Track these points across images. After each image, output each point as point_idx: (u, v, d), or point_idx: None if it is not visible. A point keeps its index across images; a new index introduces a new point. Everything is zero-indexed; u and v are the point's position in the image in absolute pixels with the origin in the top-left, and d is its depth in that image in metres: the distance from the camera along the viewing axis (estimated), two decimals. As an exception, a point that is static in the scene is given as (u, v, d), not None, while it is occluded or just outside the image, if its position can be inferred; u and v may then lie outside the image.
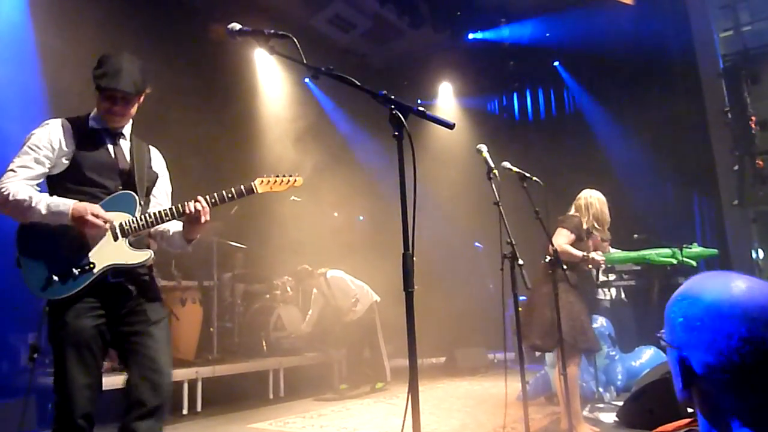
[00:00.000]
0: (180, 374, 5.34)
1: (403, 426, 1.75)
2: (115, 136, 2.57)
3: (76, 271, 2.33)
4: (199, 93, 7.02)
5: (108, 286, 2.41)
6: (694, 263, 6.07)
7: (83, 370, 2.34)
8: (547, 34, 9.36)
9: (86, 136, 2.49)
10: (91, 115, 2.55)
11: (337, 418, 5.23)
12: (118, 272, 2.43)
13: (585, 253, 4.07)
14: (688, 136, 7.74)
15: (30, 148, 2.39)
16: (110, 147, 2.53)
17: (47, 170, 2.41)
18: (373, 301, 6.88)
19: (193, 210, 2.48)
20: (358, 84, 1.90)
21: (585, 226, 4.23)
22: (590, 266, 4.23)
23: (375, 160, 8.50)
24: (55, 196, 2.35)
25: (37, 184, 2.40)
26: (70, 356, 2.32)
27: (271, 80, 8.49)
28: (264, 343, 6.68)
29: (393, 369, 7.54)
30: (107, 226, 2.36)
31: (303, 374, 6.75)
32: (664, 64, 8.21)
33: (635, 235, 6.97)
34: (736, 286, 1.10)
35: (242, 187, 2.58)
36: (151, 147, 2.74)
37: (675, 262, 6.18)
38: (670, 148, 7.92)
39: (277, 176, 2.69)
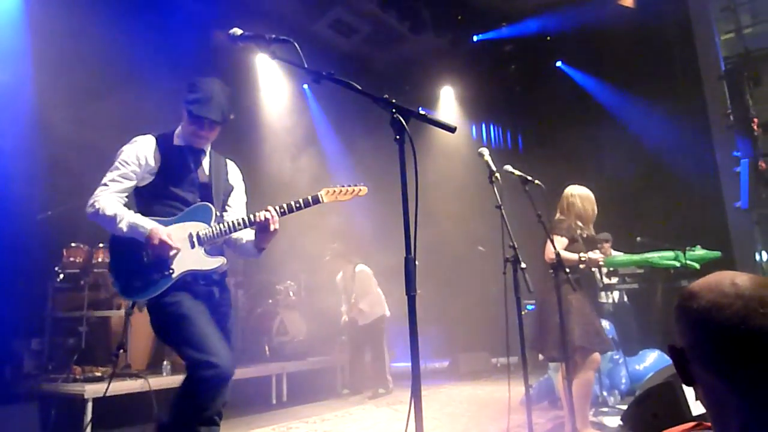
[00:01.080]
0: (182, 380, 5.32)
1: (405, 430, 1.75)
2: (198, 152, 2.84)
3: (157, 276, 2.61)
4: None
5: (196, 289, 2.69)
6: (697, 266, 6.06)
7: (208, 324, 2.61)
8: (548, 38, 9.38)
9: (171, 152, 2.75)
10: (177, 132, 2.81)
11: (340, 423, 5.22)
12: (204, 278, 2.73)
13: (581, 255, 4.05)
14: (691, 138, 7.73)
15: (120, 163, 2.67)
16: (192, 163, 2.80)
17: (135, 183, 2.70)
18: (384, 313, 6.95)
19: (262, 219, 2.70)
20: (360, 88, 1.90)
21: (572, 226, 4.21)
22: (590, 267, 4.20)
23: (377, 164, 8.50)
24: (138, 216, 2.62)
25: (126, 196, 2.71)
26: (194, 313, 2.58)
27: (273, 85, 8.51)
28: (267, 348, 6.67)
29: (395, 373, 7.53)
30: (173, 252, 2.60)
31: (306, 379, 6.74)
32: (665, 66, 8.21)
33: (638, 238, 6.96)
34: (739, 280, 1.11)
35: (309, 197, 2.79)
36: (228, 161, 3.01)
37: (678, 264, 6.18)
38: (673, 151, 7.91)
39: (343, 186, 2.90)
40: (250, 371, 6.10)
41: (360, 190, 2.95)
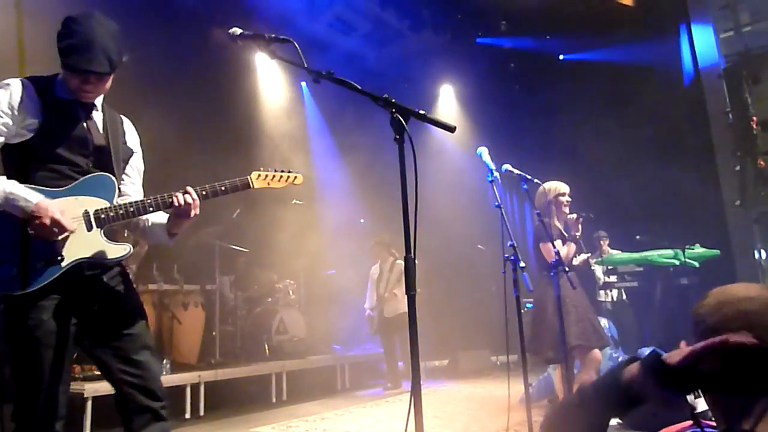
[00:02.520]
0: (182, 378, 5.34)
1: (405, 429, 1.75)
2: (88, 107, 2.24)
3: (39, 264, 2.02)
4: (200, 97, 7.05)
5: (79, 281, 2.12)
6: (696, 264, 6.09)
7: (59, 374, 2.06)
8: (548, 36, 9.39)
9: (55, 104, 2.14)
10: (57, 80, 2.19)
11: (340, 422, 5.22)
12: (92, 265, 2.15)
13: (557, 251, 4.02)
14: (690, 136, 7.75)
15: None
16: (83, 120, 2.20)
17: (2, 140, 2.05)
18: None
19: (182, 202, 2.23)
20: (359, 88, 1.90)
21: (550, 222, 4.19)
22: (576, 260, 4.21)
23: (376, 162, 8.51)
24: (15, 183, 2.01)
25: None
26: (47, 358, 2.02)
27: (272, 84, 8.50)
28: (266, 347, 6.67)
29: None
30: (65, 234, 2.05)
31: (306, 378, 6.75)
32: (664, 64, 8.22)
33: (637, 236, 6.98)
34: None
35: (237, 180, 2.38)
36: (123, 118, 2.41)
37: (677, 263, 6.21)
38: (672, 149, 7.92)
39: (275, 171, 2.49)
40: (250, 370, 6.10)
41: (295, 177, 2.55)
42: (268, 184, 2.48)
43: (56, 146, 2.10)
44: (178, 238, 2.41)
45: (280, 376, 6.34)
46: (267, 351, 6.65)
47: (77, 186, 2.13)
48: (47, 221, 1.98)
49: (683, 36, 8.05)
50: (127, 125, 2.41)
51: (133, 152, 2.40)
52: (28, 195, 1.99)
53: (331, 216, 8.08)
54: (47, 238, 2.02)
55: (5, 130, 2.03)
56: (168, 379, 5.23)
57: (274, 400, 6.19)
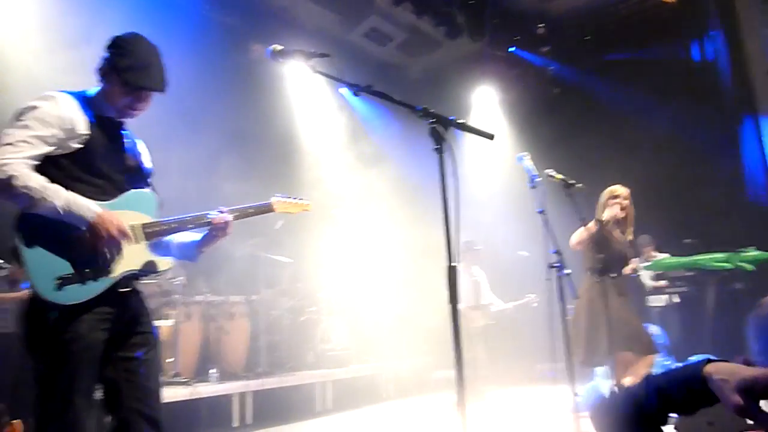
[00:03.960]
0: (230, 387, 5.44)
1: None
2: (121, 125, 2.30)
3: (91, 273, 2.01)
4: (238, 111, 7.18)
5: (112, 298, 2.08)
6: (751, 267, 5.84)
7: (90, 394, 2.01)
8: (587, 37, 9.23)
9: (98, 120, 2.16)
10: (96, 96, 2.22)
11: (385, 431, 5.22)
12: (126, 283, 2.15)
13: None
14: (738, 137, 7.49)
15: (36, 121, 2.00)
16: (121, 139, 2.27)
17: (50, 151, 2.03)
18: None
19: (222, 222, 2.32)
20: (398, 100, 1.92)
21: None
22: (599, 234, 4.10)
23: (415, 171, 8.51)
24: (76, 195, 2.00)
25: (35, 166, 2.02)
26: (83, 376, 1.99)
27: (308, 96, 8.60)
28: (311, 356, 6.73)
29: (440, 380, 7.51)
30: (116, 248, 2.08)
31: (350, 386, 6.77)
32: (709, 63, 8.01)
33: (686, 240, 6.76)
34: None
35: (262, 204, 2.57)
36: (137, 139, 2.44)
37: (730, 266, 5.97)
38: (723, 148, 7.66)
39: (291, 198, 2.71)
40: (295, 379, 6.17)
41: (306, 205, 2.78)
42: (286, 209, 2.67)
43: (98, 161, 2.12)
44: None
45: (325, 385, 6.38)
46: (311, 360, 6.70)
47: (120, 201, 2.16)
48: (113, 229, 2.01)
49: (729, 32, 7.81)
50: (142, 146, 2.44)
51: (152, 172, 2.43)
52: (90, 204, 2.01)
53: (370, 225, 8.11)
54: (107, 247, 2.03)
55: (54, 140, 2.03)
56: (216, 389, 5.33)
57: (319, 408, 6.23)
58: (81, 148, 2.07)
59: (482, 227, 8.15)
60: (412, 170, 8.50)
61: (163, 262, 2.26)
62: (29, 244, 1.95)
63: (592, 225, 3.83)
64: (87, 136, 2.08)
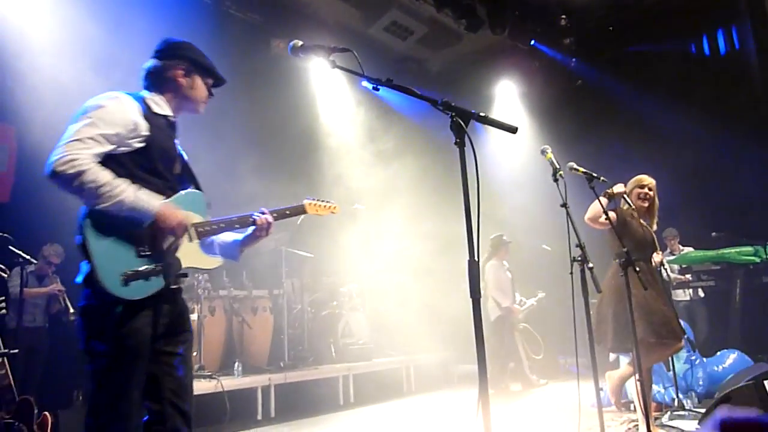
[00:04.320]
0: (254, 381, 5.51)
1: (474, 433, 1.74)
2: (175, 125, 2.36)
3: (154, 270, 2.06)
4: (260, 107, 7.24)
5: (163, 294, 2.12)
6: (779, 261, 5.73)
7: (142, 387, 2.07)
8: (610, 28, 9.09)
9: (156, 119, 2.21)
10: (148, 96, 2.27)
11: (407, 424, 5.24)
12: (177, 280, 2.20)
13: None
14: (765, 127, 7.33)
15: (101, 120, 2.03)
16: (174, 137, 2.33)
17: (111, 150, 2.06)
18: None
19: (265, 222, 2.40)
20: (419, 93, 1.92)
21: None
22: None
23: (438, 164, 8.49)
24: (142, 189, 2.06)
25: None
26: (137, 371, 2.04)
27: (329, 92, 8.62)
28: (333, 350, 6.78)
29: (463, 374, 7.52)
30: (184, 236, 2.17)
31: (372, 380, 6.81)
32: (751, 59, 7.85)
33: (713, 233, 6.64)
34: None
35: (296, 205, 2.67)
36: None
37: (758, 260, 5.87)
38: (750, 140, 7.51)
39: (322, 201, 2.80)
40: (318, 372, 6.22)
41: (335, 207, 2.86)
42: (317, 211, 2.78)
43: (156, 160, 2.16)
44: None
45: (347, 379, 6.42)
46: (333, 353, 6.76)
47: (174, 200, 2.19)
48: (174, 223, 2.07)
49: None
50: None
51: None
52: (153, 199, 2.07)
53: (392, 220, 8.12)
54: (169, 240, 2.11)
55: (117, 139, 2.06)
56: (240, 382, 5.40)
57: (341, 402, 6.28)
58: (142, 147, 2.12)
59: (505, 221, 8.11)
60: (435, 163, 8.49)
61: (213, 261, 2.36)
62: (95, 240, 1.98)
63: (603, 199, 3.81)
64: (148, 135, 2.13)
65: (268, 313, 6.42)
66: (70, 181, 1.92)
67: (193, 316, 5.73)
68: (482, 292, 6.12)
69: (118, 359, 2.00)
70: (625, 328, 3.73)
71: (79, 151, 1.94)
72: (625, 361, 4.75)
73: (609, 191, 3.93)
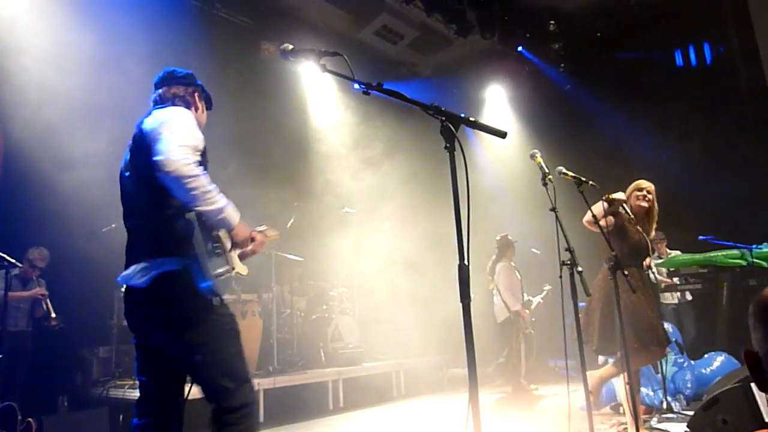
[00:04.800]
0: (242, 385, 5.46)
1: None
2: None
3: (231, 271, 2.43)
4: (249, 110, 7.19)
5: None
6: (766, 264, 5.78)
7: None
8: (598, 34, 9.17)
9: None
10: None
11: (397, 428, 5.22)
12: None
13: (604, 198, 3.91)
14: (755, 130, 7.41)
15: (193, 134, 2.30)
16: None
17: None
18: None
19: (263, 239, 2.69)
20: (409, 98, 1.91)
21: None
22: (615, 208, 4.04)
23: (427, 167, 8.50)
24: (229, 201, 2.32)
25: None
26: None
27: (318, 96, 8.61)
28: (322, 354, 6.76)
29: (454, 377, 7.52)
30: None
31: (362, 384, 6.79)
32: (720, 60, 7.95)
33: (700, 236, 6.69)
34: None
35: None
36: None
37: (745, 263, 5.91)
38: (737, 144, 7.59)
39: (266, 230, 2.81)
40: (307, 377, 6.19)
41: (275, 235, 2.94)
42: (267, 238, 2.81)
43: (206, 169, 2.34)
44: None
45: (337, 383, 6.40)
46: (323, 358, 6.73)
47: None
48: (245, 237, 2.41)
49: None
50: None
51: None
52: (235, 212, 2.33)
53: (382, 223, 8.12)
54: (235, 250, 2.49)
55: (200, 151, 2.30)
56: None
57: (331, 407, 6.25)
58: (202, 160, 2.31)
59: (495, 225, 8.13)
60: (425, 165, 8.50)
61: (245, 268, 2.65)
62: (197, 241, 2.20)
63: (601, 204, 3.81)
64: (204, 149, 2.36)
65: (257, 317, 6.38)
66: (185, 181, 2.11)
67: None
68: (492, 292, 6.12)
69: (229, 337, 2.37)
70: (610, 331, 3.75)
71: (194, 156, 2.19)
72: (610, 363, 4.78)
73: (608, 196, 3.94)
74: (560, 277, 3.03)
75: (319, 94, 8.59)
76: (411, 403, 6.75)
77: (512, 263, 7.23)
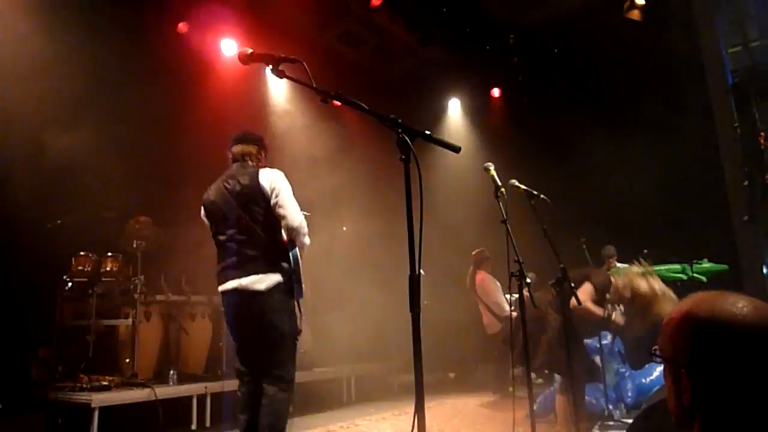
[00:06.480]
0: (189, 389, 5.37)
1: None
2: None
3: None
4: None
5: None
6: (704, 278, 6.06)
7: None
8: (556, 50, 9.41)
9: None
10: None
11: (345, 435, 5.22)
12: None
13: (606, 312, 3.96)
14: (698, 151, 7.73)
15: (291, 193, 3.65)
16: None
17: None
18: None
19: None
20: (367, 108, 1.93)
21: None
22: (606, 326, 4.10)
23: (383, 174, 8.50)
24: None
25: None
26: None
27: (279, 97, 8.52)
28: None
29: (404, 384, 7.55)
30: None
31: (311, 390, 6.74)
32: (671, 79, 8.24)
33: (644, 251, 6.94)
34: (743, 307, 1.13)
35: None
36: None
37: (685, 277, 6.17)
38: (680, 164, 7.91)
39: None
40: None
41: None
42: None
43: None
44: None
45: (287, 388, 6.32)
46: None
47: None
48: None
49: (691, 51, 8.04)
50: None
51: None
52: None
53: (336, 228, 8.10)
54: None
55: None
56: (175, 390, 5.26)
57: (280, 411, 6.17)
58: None
59: (447, 235, 8.22)
60: (381, 170, 8.49)
61: None
62: (297, 264, 3.65)
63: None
64: None
65: (207, 320, 6.27)
66: (303, 233, 3.65)
67: (128, 322, 5.54)
68: (477, 307, 6.12)
69: (294, 330, 3.81)
70: (534, 353, 3.83)
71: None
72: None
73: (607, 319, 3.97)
74: (509, 288, 3.09)
75: (274, 95, 8.48)
76: (360, 409, 6.74)
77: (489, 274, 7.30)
